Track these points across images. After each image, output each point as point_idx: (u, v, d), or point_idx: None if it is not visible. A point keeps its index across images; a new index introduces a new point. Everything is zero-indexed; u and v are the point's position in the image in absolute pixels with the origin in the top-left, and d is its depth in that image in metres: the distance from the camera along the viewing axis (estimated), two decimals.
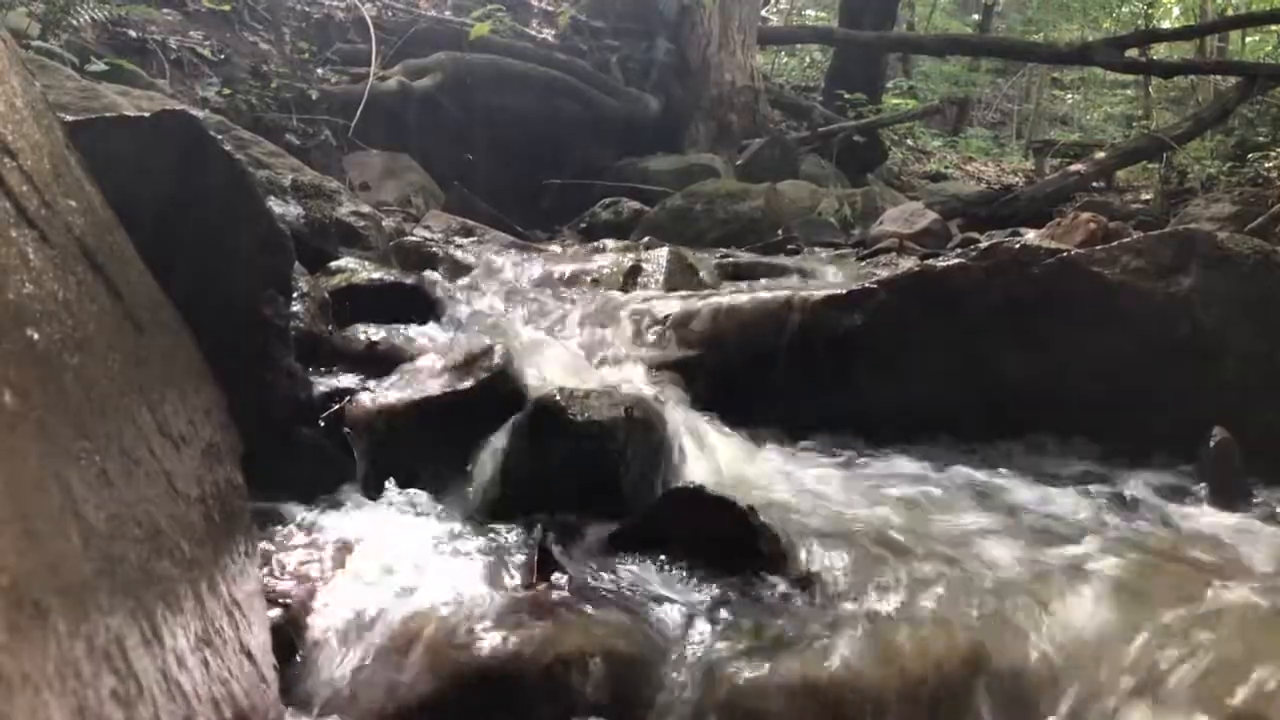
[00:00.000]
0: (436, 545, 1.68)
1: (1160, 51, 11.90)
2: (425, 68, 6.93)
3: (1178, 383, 2.24)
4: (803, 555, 1.61)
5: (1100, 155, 9.15)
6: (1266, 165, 7.99)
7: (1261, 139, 9.30)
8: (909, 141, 12.75)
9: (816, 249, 5.60)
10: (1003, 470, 2.18)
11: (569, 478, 1.83)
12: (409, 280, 3.06)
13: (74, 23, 4.98)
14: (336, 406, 1.98)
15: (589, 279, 3.69)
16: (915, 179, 10.95)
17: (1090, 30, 14.54)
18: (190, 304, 1.52)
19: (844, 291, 2.60)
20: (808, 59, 14.71)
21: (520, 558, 1.61)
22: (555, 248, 5.09)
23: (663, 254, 3.76)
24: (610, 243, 4.92)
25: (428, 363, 2.32)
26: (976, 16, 16.45)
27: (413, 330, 2.60)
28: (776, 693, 1.29)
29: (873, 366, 2.49)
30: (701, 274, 3.94)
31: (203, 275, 1.64)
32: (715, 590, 1.52)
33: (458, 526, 1.77)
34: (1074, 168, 8.68)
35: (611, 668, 1.32)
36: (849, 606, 1.47)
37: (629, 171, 7.50)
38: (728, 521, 1.63)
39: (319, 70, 6.60)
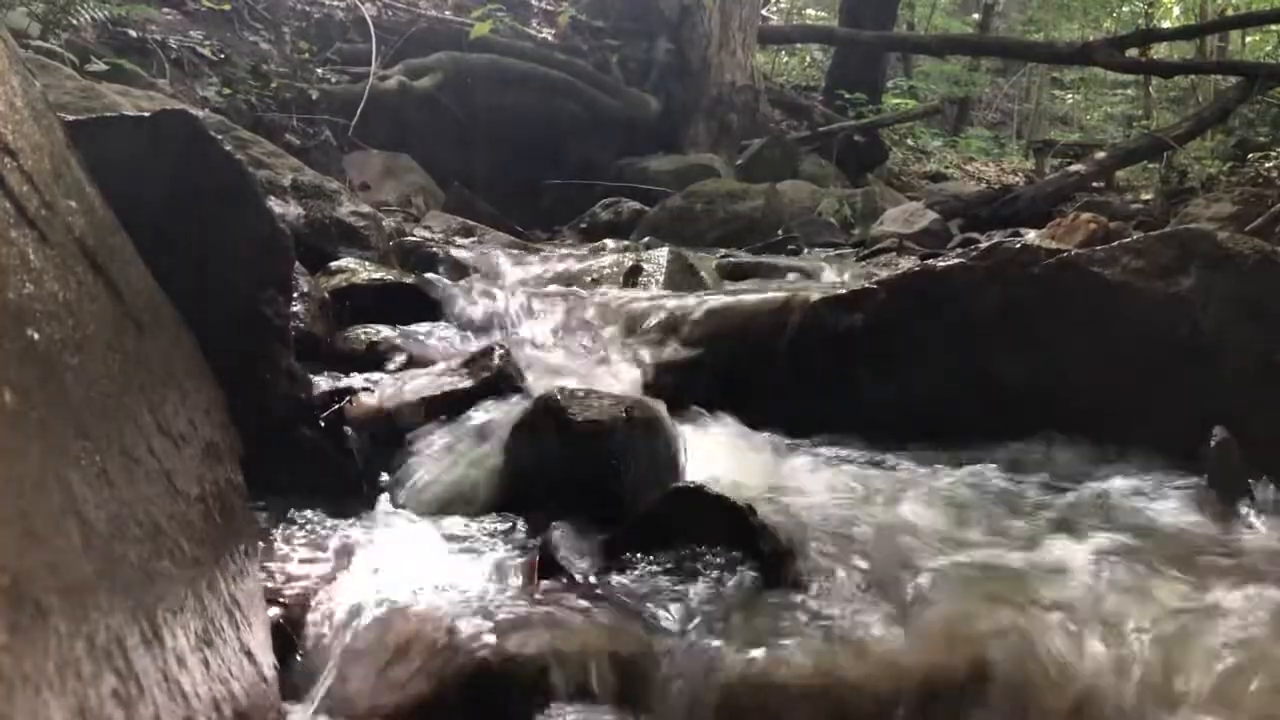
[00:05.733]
0: (435, 545, 1.68)
1: (1160, 51, 11.91)
2: (425, 67, 6.93)
3: (1178, 382, 2.24)
4: (803, 555, 1.61)
5: (1100, 155, 9.15)
6: (1266, 165, 7.99)
7: (1261, 139, 9.31)
8: (909, 141, 12.76)
9: (816, 249, 5.61)
10: (1003, 470, 2.18)
11: (569, 477, 1.83)
12: (409, 280, 3.07)
13: (74, 22, 4.98)
14: (337, 406, 1.98)
15: (589, 279, 3.69)
16: (915, 179, 10.96)
17: (1090, 30, 14.55)
18: (190, 304, 1.52)
19: (844, 291, 2.60)
20: (808, 59, 14.72)
21: (520, 558, 1.61)
22: (555, 248, 5.10)
23: (663, 254, 3.76)
24: (610, 243, 4.94)
25: (428, 362, 2.32)
26: (976, 16, 16.44)
27: (413, 330, 2.60)
28: (777, 693, 1.29)
29: (873, 366, 2.49)
30: (701, 274, 3.95)
31: (203, 275, 1.63)
32: (715, 590, 1.52)
33: (457, 526, 1.78)
34: (1074, 168, 8.69)
35: (611, 668, 1.32)
36: (850, 606, 1.47)
37: (629, 171, 7.50)
38: (727, 521, 1.63)
39: (319, 70, 6.60)
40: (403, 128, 6.63)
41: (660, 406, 2.09)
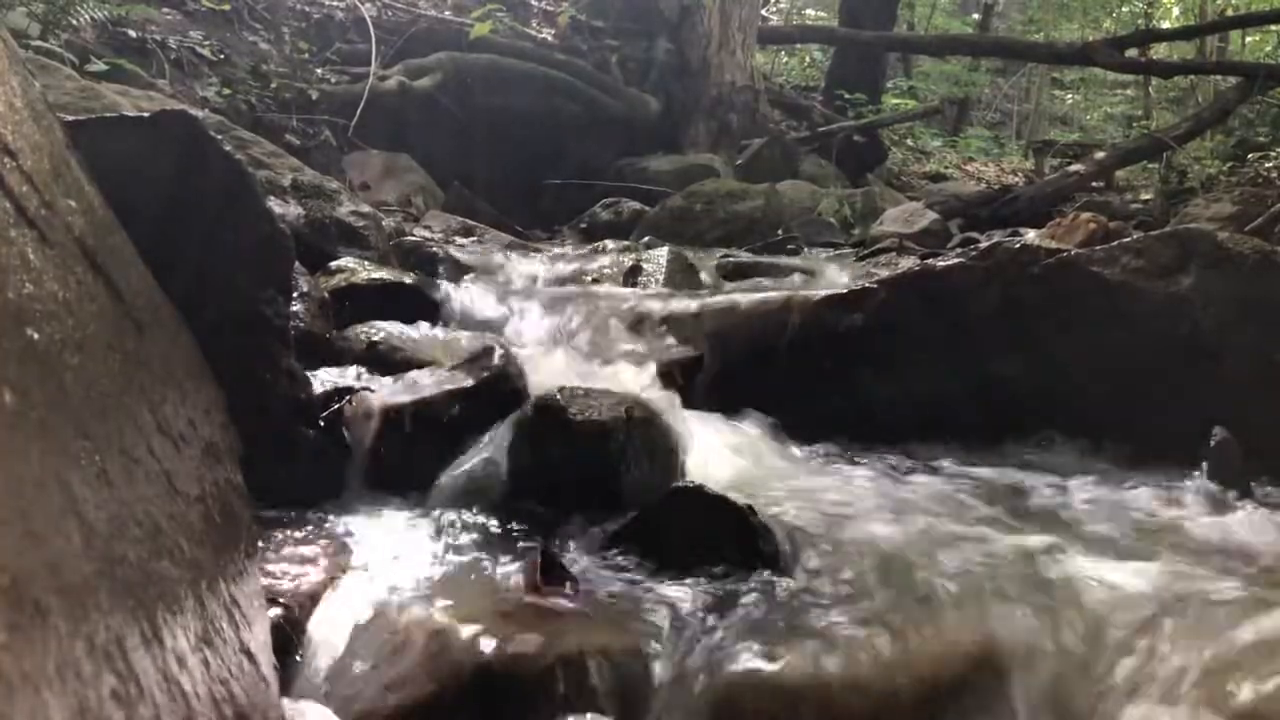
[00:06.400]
0: (436, 545, 1.68)
1: (1160, 51, 11.90)
2: (425, 68, 6.93)
3: (1178, 382, 2.24)
4: (802, 555, 1.61)
5: (1100, 155, 9.13)
6: (1266, 165, 7.97)
7: (1261, 139, 9.30)
8: (909, 141, 12.75)
9: (816, 249, 5.61)
10: (1002, 470, 2.18)
11: (569, 477, 1.83)
12: (409, 280, 3.07)
13: (74, 23, 4.98)
14: (336, 406, 1.98)
15: (589, 279, 3.69)
16: (915, 179, 10.95)
17: (1090, 30, 14.54)
18: (190, 304, 1.52)
19: (844, 291, 2.60)
20: (808, 59, 14.70)
21: (520, 557, 1.61)
22: (555, 248, 5.09)
23: (663, 254, 3.76)
24: (610, 243, 4.93)
25: (428, 362, 2.32)
26: (976, 16, 16.44)
27: (413, 330, 2.60)
28: (776, 693, 1.29)
29: (873, 366, 2.49)
30: (701, 274, 3.94)
31: (203, 275, 1.63)
32: (715, 590, 1.52)
33: (457, 526, 1.77)
34: (1074, 168, 8.67)
35: (611, 667, 1.32)
36: (849, 606, 1.47)
37: (629, 171, 7.49)
38: (727, 521, 1.63)
39: (319, 70, 6.59)
40: (403, 128, 6.62)
41: (660, 406, 2.10)
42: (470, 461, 1.95)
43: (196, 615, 0.94)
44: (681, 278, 3.62)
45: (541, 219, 6.66)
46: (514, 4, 8.06)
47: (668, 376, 2.55)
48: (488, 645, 1.31)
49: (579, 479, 1.83)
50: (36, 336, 0.81)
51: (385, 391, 2.09)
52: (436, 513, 1.83)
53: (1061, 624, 1.42)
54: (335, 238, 3.38)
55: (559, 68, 7.53)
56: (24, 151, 1.01)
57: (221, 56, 6.14)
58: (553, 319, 3.10)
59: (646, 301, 3.03)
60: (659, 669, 1.35)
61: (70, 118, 1.57)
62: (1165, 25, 14.33)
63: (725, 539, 1.61)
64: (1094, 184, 8.91)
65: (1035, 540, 1.76)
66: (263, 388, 1.78)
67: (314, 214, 3.41)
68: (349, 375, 2.22)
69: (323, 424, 1.92)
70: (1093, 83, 16.75)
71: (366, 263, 3.10)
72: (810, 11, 15.90)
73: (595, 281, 3.64)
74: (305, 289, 2.42)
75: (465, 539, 1.71)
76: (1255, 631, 1.35)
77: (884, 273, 3.23)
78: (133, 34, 5.71)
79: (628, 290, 3.44)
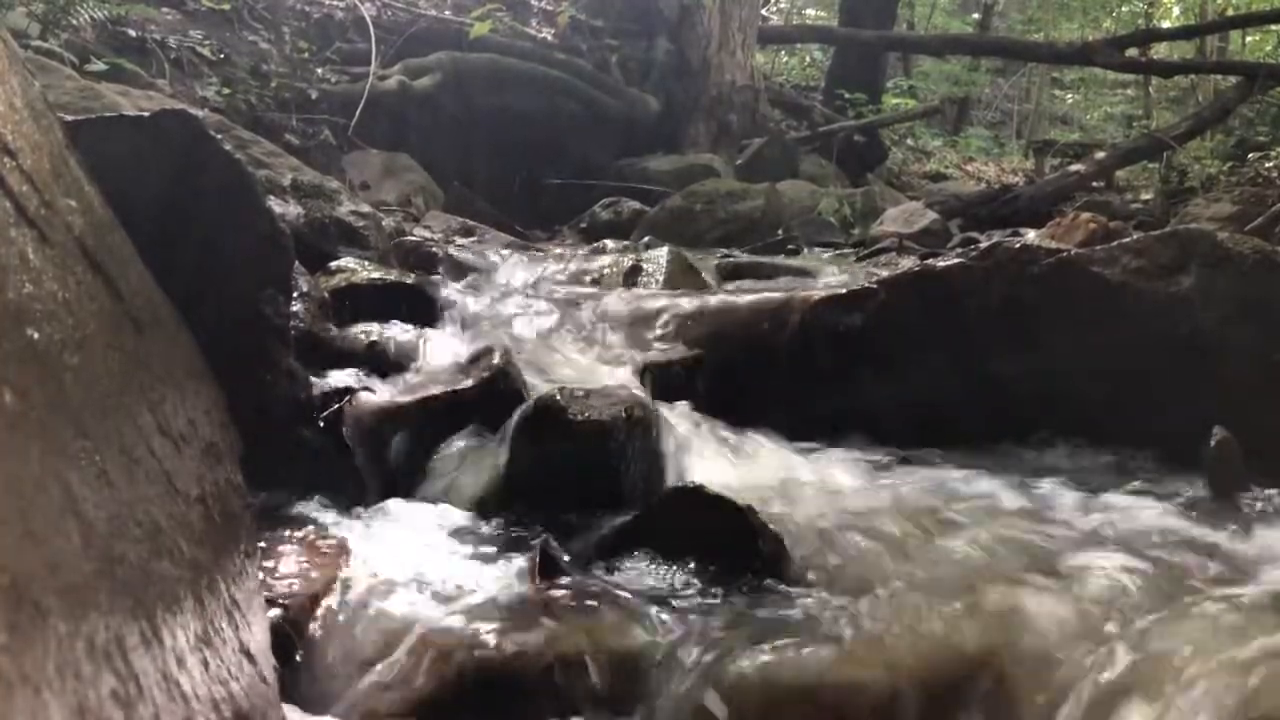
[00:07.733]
0: (436, 545, 1.68)
1: (1160, 51, 11.91)
2: (425, 67, 6.93)
3: (1178, 383, 2.24)
4: (803, 555, 1.61)
5: (1100, 155, 9.15)
6: (1266, 165, 7.98)
7: (1261, 139, 9.31)
8: (909, 141, 12.76)
9: (816, 249, 5.62)
10: (1002, 470, 2.18)
11: (569, 477, 1.83)
12: (409, 280, 3.07)
13: (74, 22, 4.98)
14: (336, 406, 1.98)
15: (589, 279, 3.69)
16: (915, 179, 10.97)
17: (1090, 30, 14.55)
18: (190, 304, 1.52)
19: (844, 291, 2.60)
20: (808, 59, 14.72)
21: (520, 558, 1.61)
22: (555, 248, 5.10)
23: (662, 254, 3.76)
24: (610, 243, 4.93)
25: (427, 363, 2.32)
26: (976, 16, 16.44)
27: (412, 330, 2.60)
28: (776, 693, 1.29)
29: (873, 366, 2.49)
30: (702, 274, 3.94)
31: (203, 275, 1.63)
32: (715, 590, 1.52)
33: (457, 526, 1.78)
34: (1074, 168, 8.69)
35: (611, 667, 1.32)
36: (849, 606, 1.47)
37: (629, 171, 7.50)
38: (727, 521, 1.63)
39: (319, 70, 6.60)
40: (402, 127, 6.63)
41: (660, 406, 2.10)
42: (470, 461, 1.95)
43: (196, 615, 0.94)
44: (681, 278, 3.62)
45: (541, 219, 6.67)
46: (514, 4, 8.07)
47: (668, 377, 2.55)
48: (488, 645, 1.31)
49: (579, 479, 1.83)
50: (36, 336, 0.81)
51: (385, 391, 2.09)
52: (436, 513, 1.82)
53: (1061, 626, 1.42)
54: (335, 238, 3.38)
55: (559, 67, 7.54)
56: (24, 151, 1.01)
57: (221, 56, 6.14)
58: (553, 319, 3.10)
59: (646, 302, 3.03)
60: (659, 669, 1.35)
61: (70, 118, 1.56)
62: (1165, 25, 14.35)
63: (725, 539, 1.61)
64: (1094, 184, 8.93)
65: (1034, 541, 1.76)
66: (263, 388, 1.78)
67: (314, 214, 3.41)
68: (349, 375, 2.21)
69: (323, 424, 1.92)
70: (1093, 83, 16.77)
71: (366, 263, 3.10)
72: (810, 11, 15.92)
73: (595, 281, 3.64)
74: (305, 289, 2.42)
75: (465, 539, 1.71)
76: (1255, 633, 1.35)
77: (884, 273, 3.23)
78: (133, 34, 5.72)
79: (628, 290, 3.44)
